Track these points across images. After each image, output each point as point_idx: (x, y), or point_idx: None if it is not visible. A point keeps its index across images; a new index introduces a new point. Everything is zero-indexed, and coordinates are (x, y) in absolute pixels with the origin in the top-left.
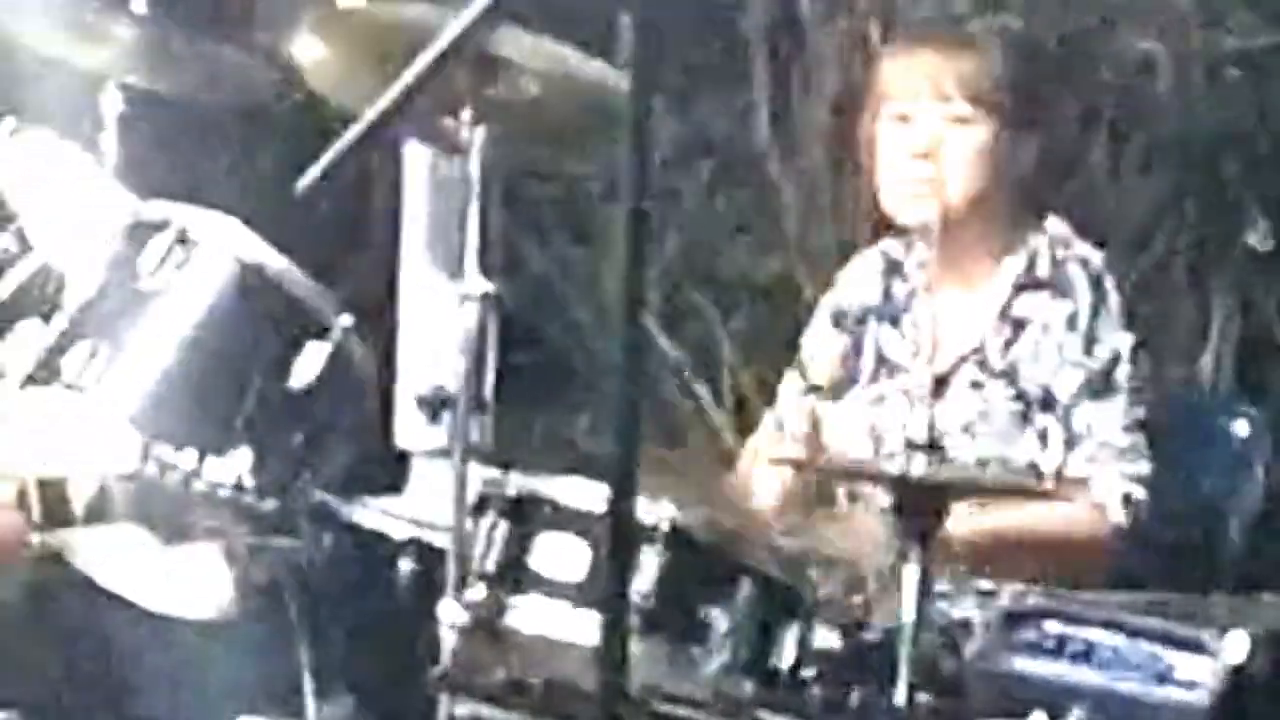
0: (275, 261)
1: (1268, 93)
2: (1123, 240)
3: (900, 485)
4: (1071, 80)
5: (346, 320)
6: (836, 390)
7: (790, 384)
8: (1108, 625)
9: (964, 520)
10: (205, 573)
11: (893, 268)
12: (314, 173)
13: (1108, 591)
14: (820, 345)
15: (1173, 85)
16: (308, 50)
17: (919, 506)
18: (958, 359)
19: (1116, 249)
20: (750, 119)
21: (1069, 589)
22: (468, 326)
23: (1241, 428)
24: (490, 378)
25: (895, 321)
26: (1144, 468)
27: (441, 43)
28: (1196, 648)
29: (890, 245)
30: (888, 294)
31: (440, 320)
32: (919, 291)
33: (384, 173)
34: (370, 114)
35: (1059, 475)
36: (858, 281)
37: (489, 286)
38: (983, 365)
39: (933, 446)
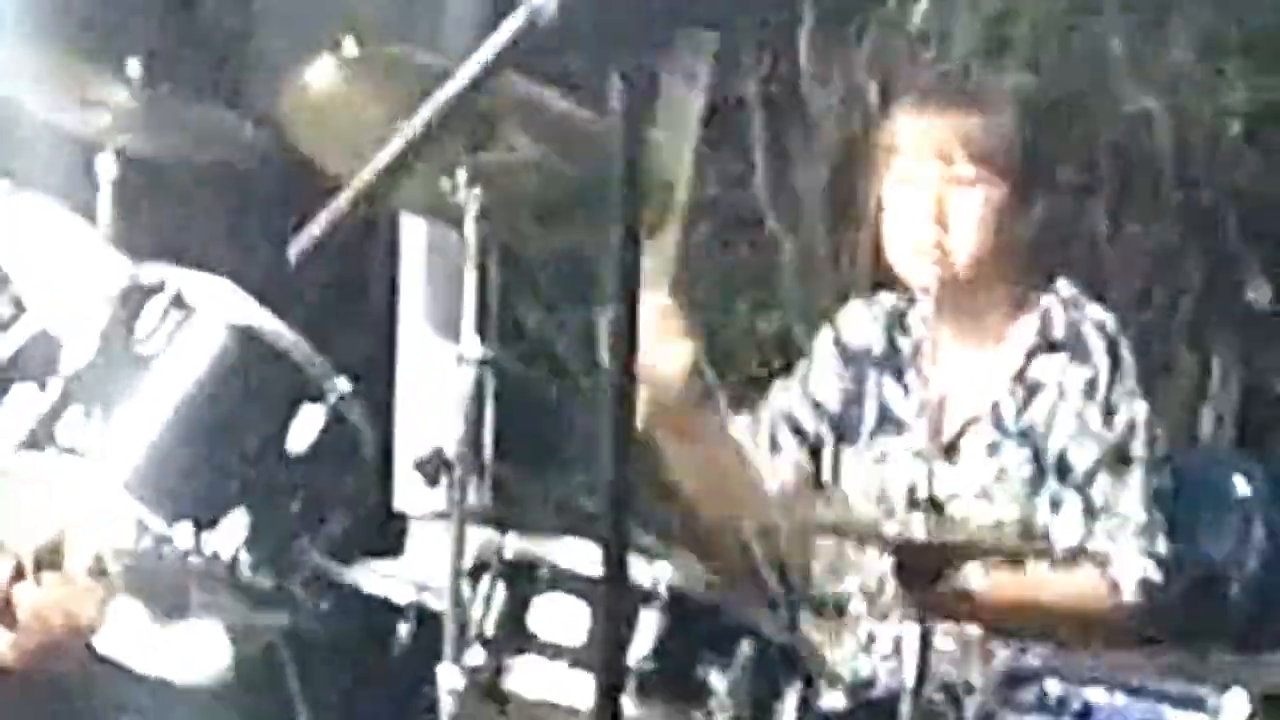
0: (271, 325)
1: (1268, 148)
2: (1122, 298)
3: (901, 547)
4: (1071, 137)
5: (343, 384)
6: (838, 428)
7: (786, 390)
8: (1108, 684)
9: (973, 581)
10: (201, 642)
11: (896, 318)
12: (307, 238)
13: (1108, 650)
14: (825, 377)
15: (1172, 141)
16: (297, 112)
17: (920, 568)
18: (970, 420)
19: (1116, 307)
20: (749, 178)
21: (1070, 648)
22: (465, 389)
23: (1242, 485)
24: (488, 440)
25: (899, 375)
26: (1162, 546)
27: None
28: (1197, 706)
29: (893, 296)
30: (891, 344)
31: (438, 383)
32: (923, 349)
33: (381, 234)
34: (363, 178)
35: (1080, 547)
36: (860, 323)
37: (486, 349)
38: (997, 428)
39: (935, 505)
